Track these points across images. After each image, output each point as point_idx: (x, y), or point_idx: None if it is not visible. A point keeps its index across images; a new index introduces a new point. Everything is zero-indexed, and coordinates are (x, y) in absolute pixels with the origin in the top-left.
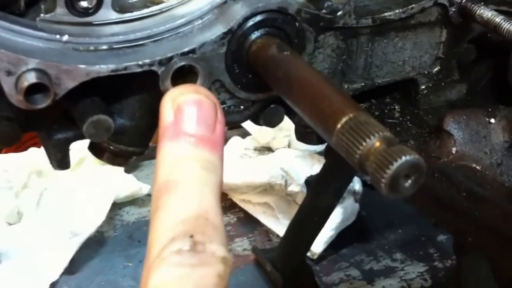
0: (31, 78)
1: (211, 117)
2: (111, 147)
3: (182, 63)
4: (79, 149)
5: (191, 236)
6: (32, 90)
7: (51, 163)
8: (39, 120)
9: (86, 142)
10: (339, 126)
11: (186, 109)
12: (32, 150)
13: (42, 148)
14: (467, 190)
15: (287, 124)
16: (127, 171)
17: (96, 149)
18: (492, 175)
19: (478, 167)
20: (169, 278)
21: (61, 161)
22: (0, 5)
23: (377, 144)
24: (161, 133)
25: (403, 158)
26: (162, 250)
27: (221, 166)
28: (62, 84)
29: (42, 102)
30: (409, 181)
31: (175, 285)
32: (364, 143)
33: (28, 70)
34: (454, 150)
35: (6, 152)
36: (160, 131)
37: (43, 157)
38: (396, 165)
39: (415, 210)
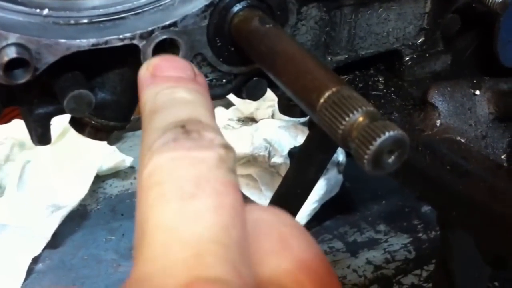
0: (11, 53)
1: (189, 69)
2: (93, 122)
3: (164, 37)
4: (62, 121)
5: (183, 127)
6: (12, 65)
7: (32, 138)
8: (20, 95)
9: (68, 115)
10: (322, 100)
11: (162, 64)
12: (15, 122)
13: None
14: (451, 163)
15: (271, 95)
16: (110, 143)
17: (77, 124)
18: (477, 148)
19: (462, 140)
20: (164, 161)
21: (41, 136)
22: None
23: (360, 119)
24: (140, 89)
25: (387, 133)
26: (152, 145)
27: (209, 98)
28: (43, 58)
29: (22, 77)
30: (393, 157)
31: (171, 167)
32: (347, 118)
33: (8, 45)
34: (438, 122)
35: None
36: (139, 88)
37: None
38: (379, 140)
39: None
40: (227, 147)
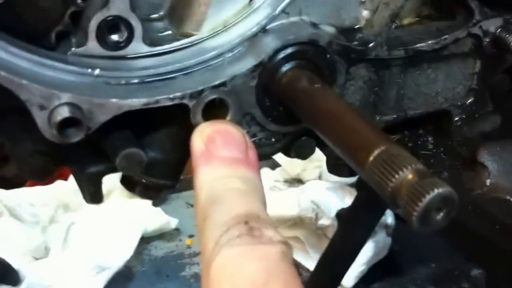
0: (64, 112)
1: (241, 143)
2: (143, 180)
3: (213, 96)
4: (105, 182)
5: (246, 223)
6: (65, 124)
7: (84, 197)
8: (72, 154)
9: (112, 174)
10: (371, 158)
11: (216, 137)
12: (58, 183)
13: (68, 181)
14: (500, 223)
15: (318, 155)
16: (155, 204)
17: (128, 182)
18: None
19: None
20: (232, 256)
21: (94, 194)
22: (31, 39)
23: (409, 176)
24: (194, 163)
25: (435, 190)
26: (218, 239)
27: (261, 184)
28: (95, 118)
29: (75, 136)
30: (441, 214)
31: (240, 260)
32: (396, 176)
33: (61, 105)
34: (488, 182)
35: (31, 185)
36: (193, 161)
37: (70, 190)
38: (428, 198)
39: (448, 244)
40: (286, 243)
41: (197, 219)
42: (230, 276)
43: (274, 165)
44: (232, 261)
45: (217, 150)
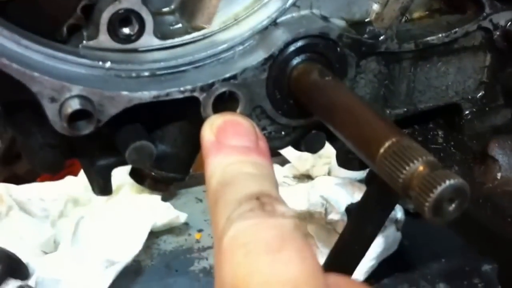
0: (74, 105)
1: (252, 133)
2: (153, 173)
3: (224, 89)
4: (115, 177)
5: (258, 199)
6: (76, 116)
7: (93, 189)
8: (82, 147)
9: (121, 169)
10: (382, 150)
11: (226, 128)
12: (68, 179)
13: (78, 177)
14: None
15: (327, 151)
16: (164, 199)
17: (137, 176)
18: None
19: None
20: (245, 227)
21: (103, 187)
22: (43, 32)
23: (421, 168)
24: (205, 153)
25: (447, 182)
26: (230, 215)
27: (273, 171)
28: (105, 110)
29: (86, 129)
30: (453, 205)
31: (254, 230)
32: (407, 168)
33: (72, 97)
34: (499, 175)
35: (42, 181)
36: (204, 151)
37: (80, 186)
38: (440, 189)
39: (459, 239)
40: (298, 218)
41: (209, 203)
42: (244, 244)
43: (283, 162)
44: (245, 231)
45: (228, 140)
